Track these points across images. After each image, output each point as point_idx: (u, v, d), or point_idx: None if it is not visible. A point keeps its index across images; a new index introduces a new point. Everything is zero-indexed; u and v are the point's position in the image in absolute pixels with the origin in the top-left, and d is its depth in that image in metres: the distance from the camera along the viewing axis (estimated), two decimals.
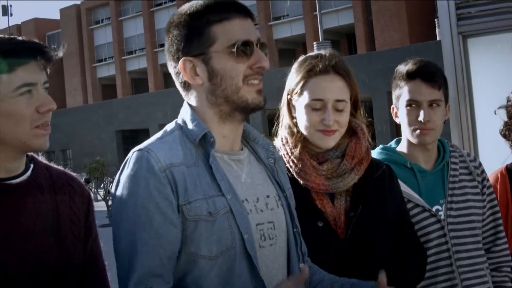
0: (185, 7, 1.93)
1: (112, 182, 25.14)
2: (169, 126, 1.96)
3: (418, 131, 2.64)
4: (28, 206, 1.85)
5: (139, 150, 1.85)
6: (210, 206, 1.79)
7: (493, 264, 2.72)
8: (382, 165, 2.45)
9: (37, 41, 1.89)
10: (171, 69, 1.96)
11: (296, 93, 2.38)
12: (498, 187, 2.97)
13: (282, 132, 2.45)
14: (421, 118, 2.60)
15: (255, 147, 2.05)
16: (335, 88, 2.33)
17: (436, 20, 31.95)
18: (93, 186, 24.05)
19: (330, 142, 2.34)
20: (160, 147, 1.84)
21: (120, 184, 1.84)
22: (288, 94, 2.43)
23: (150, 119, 45.93)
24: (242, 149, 2.00)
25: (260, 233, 1.89)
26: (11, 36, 1.86)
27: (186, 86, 1.94)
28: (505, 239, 2.77)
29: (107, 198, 21.94)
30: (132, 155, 1.85)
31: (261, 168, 2.03)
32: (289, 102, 2.44)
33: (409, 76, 2.63)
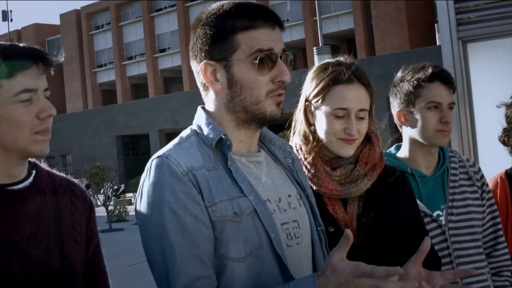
0: (215, 7, 1.89)
1: (112, 187, 25.10)
2: (185, 133, 1.94)
3: (439, 133, 2.65)
4: (30, 211, 1.85)
5: (158, 157, 1.83)
6: (234, 206, 1.78)
7: (494, 269, 2.73)
8: (396, 171, 2.45)
9: (37, 47, 1.90)
10: (193, 67, 1.95)
11: (318, 100, 2.35)
12: (498, 192, 2.97)
13: (296, 139, 2.44)
14: (445, 119, 2.62)
15: (272, 149, 2.05)
16: (359, 98, 2.33)
17: (436, 25, 32.00)
18: (93, 191, 24.04)
19: (350, 150, 2.34)
20: (178, 152, 1.83)
21: (144, 193, 1.82)
22: (306, 101, 2.41)
23: (150, 124, 45.95)
24: (259, 151, 1.99)
25: (286, 232, 1.88)
26: (12, 43, 1.87)
27: (206, 87, 1.93)
28: (505, 244, 2.77)
29: (107, 203, 21.94)
30: (152, 163, 1.83)
31: (279, 168, 2.02)
32: (306, 109, 2.41)
33: (429, 79, 2.64)
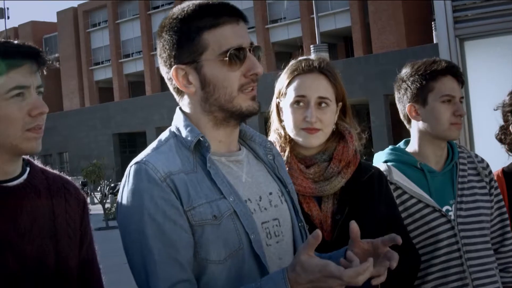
0: (176, 11, 1.89)
1: (108, 185, 25.13)
2: (164, 135, 1.93)
3: (453, 126, 2.66)
4: (25, 208, 1.85)
5: (136, 163, 1.83)
6: (214, 209, 1.78)
7: (501, 265, 2.73)
8: (371, 168, 2.46)
9: (32, 44, 1.89)
10: (164, 74, 1.93)
11: (282, 94, 2.40)
12: None
13: (271, 136, 2.47)
14: (459, 112, 2.65)
15: (253, 146, 2.04)
16: (318, 86, 2.35)
17: (433, 22, 32.04)
18: (90, 189, 24.04)
19: (313, 140, 2.35)
20: (156, 157, 1.82)
21: (124, 200, 1.82)
22: (276, 98, 2.45)
23: (147, 122, 45.95)
24: (240, 149, 1.99)
25: (266, 231, 1.88)
26: (6, 40, 1.86)
27: (179, 92, 1.92)
28: None
29: (104, 201, 21.94)
30: (130, 169, 1.83)
31: (260, 166, 2.01)
32: (277, 106, 2.46)
33: (441, 73, 2.66)
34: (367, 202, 2.35)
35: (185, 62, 1.85)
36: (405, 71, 2.75)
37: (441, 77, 2.66)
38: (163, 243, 1.74)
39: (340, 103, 2.43)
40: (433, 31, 31.83)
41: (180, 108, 1.96)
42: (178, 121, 1.93)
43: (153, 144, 1.91)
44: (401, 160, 2.70)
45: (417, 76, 2.69)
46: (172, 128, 1.94)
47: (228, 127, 1.91)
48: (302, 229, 2.01)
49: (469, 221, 2.65)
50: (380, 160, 2.75)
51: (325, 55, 20.44)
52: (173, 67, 1.86)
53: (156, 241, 1.74)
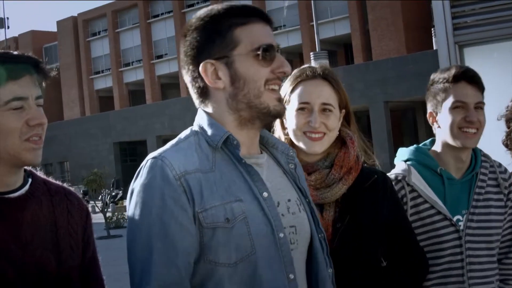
0: (204, 12, 1.91)
1: (109, 194, 25.06)
2: (184, 133, 1.93)
3: (462, 133, 2.63)
4: (26, 219, 1.85)
5: (153, 157, 1.82)
6: (227, 212, 1.77)
7: (502, 275, 2.71)
8: (374, 174, 2.43)
9: (32, 55, 1.89)
10: (188, 73, 1.93)
11: (286, 101, 2.40)
12: None
13: None
14: (469, 118, 2.60)
15: (274, 153, 2.03)
16: (321, 92, 2.37)
17: (433, 29, 32.08)
18: (91, 198, 24.01)
19: (317, 147, 2.35)
20: (174, 154, 1.82)
21: (135, 193, 1.82)
22: None
23: (148, 130, 45.92)
24: (261, 153, 1.99)
25: (285, 236, 1.86)
26: (6, 51, 1.86)
27: (203, 92, 1.91)
28: None
29: (105, 210, 21.90)
30: (147, 163, 1.83)
31: (281, 172, 2.01)
32: None
33: (455, 79, 2.65)
34: (369, 209, 2.34)
35: (216, 57, 1.86)
36: (430, 79, 2.75)
37: (454, 84, 2.65)
38: (164, 244, 1.74)
39: (344, 110, 2.44)
40: (433, 37, 31.88)
41: (203, 109, 1.95)
42: (201, 120, 1.92)
43: (173, 141, 1.91)
44: (423, 163, 2.69)
45: (435, 84, 2.70)
46: (194, 127, 1.93)
47: (252, 129, 1.92)
48: (322, 240, 2.00)
49: (477, 233, 2.63)
50: (402, 157, 2.75)
51: (325, 62, 20.47)
52: (203, 62, 1.87)
53: (158, 240, 1.74)
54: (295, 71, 2.45)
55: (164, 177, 1.77)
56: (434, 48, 27.87)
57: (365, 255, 2.27)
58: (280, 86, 1.92)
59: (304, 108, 2.36)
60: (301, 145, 2.36)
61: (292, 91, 2.40)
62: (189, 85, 1.95)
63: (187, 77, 1.94)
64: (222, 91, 1.88)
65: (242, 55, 1.85)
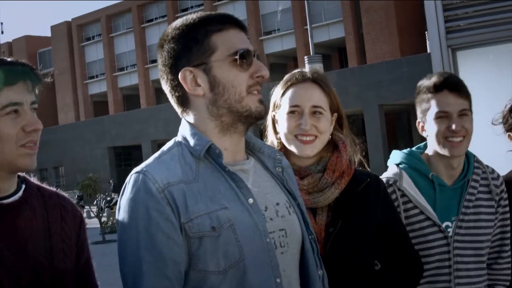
0: (180, 21, 1.93)
1: (105, 198, 24.96)
2: (167, 145, 1.94)
3: (448, 142, 2.61)
4: (20, 225, 1.85)
5: (136, 172, 1.84)
6: (213, 220, 1.77)
7: (490, 281, 2.72)
8: (367, 177, 2.43)
9: (26, 62, 1.90)
10: (167, 83, 1.94)
11: (277, 106, 2.42)
12: None
13: None
14: (451, 127, 2.58)
15: (261, 157, 2.03)
16: (311, 95, 2.38)
17: (426, 32, 32.13)
18: (86, 202, 23.95)
19: (308, 150, 2.36)
20: (157, 167, 1.83)
21: (121, 208, 1.83)
22: (272, 111, 2.47)
23: (142, 135, 45.90)
24: (247, 159, 1.99)
25: (272, 241, 1.87)
26: (0, 57, 1.87)
27: (184, 101, 1.93)
28: (508, 259, 2.76)
29: (100, 215, 21.86)
30: (130, 178, 1.85)
31: (268, 176, 2.01)
32: (273, 119, 2.48)
33: (436, 89, 2.63)
34: (361, 213, 2.34)
35: (194, 64, 1.87)
36: (416, 88, 2.74)
37: (436, 93, 2.63)
38: (153, 255, 1.75)
39: (336, 114, 2.44)
40: (427, 40, 31.94)
41: (185, 120, 1.96)
42: (184, 131, 1.93)
43: (156, 154, 1.92)
44: (415, 167, 2.69)
45: (420, 94, 2.70)
46: (178, 138, 1.94)
47: (235, 134, 1.92)
48: (313, 242, 2.01)
49: (466, 239, 2.64)
50: (395, 160, 2.76)
51: (319, 66, 20.48)
52: (181, 70, 1.88)
53: (147, 253, 1.75)
54: (286, 76, 2.46)
55: (147, 191, 1.78)
56: (428, 51, 27.90)
57: (357, 259, 2.27)
58: (259, 90, 1.92)
59: (294, 111, 2.37)
60: (292, 148, 2.37)
61: (283, 95, 2.42)
62: (169, 95, 1.96)
63: (166, 87, 1.96)
64: (202, 98, 1.89)
65: (219, 61, 1.86)
